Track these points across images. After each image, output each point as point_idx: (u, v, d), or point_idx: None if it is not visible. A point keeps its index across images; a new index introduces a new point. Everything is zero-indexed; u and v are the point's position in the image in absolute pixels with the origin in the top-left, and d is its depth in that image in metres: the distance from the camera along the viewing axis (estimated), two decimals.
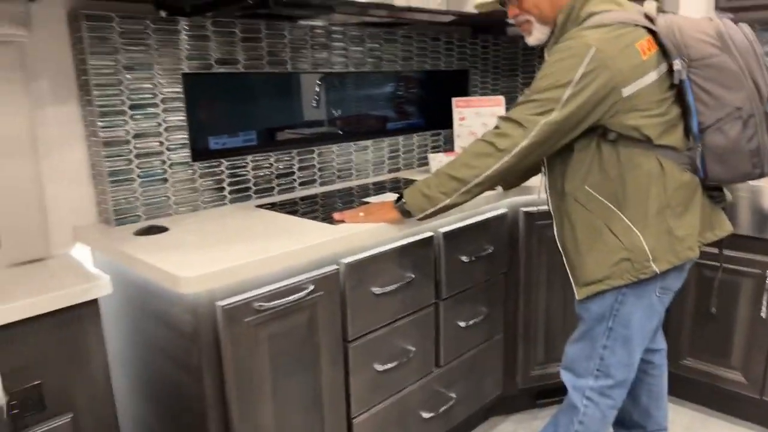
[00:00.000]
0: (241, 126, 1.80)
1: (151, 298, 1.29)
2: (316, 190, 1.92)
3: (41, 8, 1.36)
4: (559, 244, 1.40)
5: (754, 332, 1.87)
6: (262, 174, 1.79)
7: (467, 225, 1.70)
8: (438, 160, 2.20)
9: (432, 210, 1.33)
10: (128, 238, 1.36)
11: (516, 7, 1.35)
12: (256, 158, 1.77)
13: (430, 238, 1.59)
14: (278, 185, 1.84)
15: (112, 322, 1.49)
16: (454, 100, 2.30)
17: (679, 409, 2.10)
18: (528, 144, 1.21)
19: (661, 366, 1.60)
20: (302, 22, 1.80)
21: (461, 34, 2.39)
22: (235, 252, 1.22)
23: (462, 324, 1.74)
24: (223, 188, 1.70)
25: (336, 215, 1.46)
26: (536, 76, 1.24)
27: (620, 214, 1.26)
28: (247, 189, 1.76)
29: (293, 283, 1.26)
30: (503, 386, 1.99)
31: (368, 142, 2.10)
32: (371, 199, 1.73)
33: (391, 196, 1.76)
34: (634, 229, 1.25)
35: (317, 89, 1.98)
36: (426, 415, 1.67)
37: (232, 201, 1.73)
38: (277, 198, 1.80)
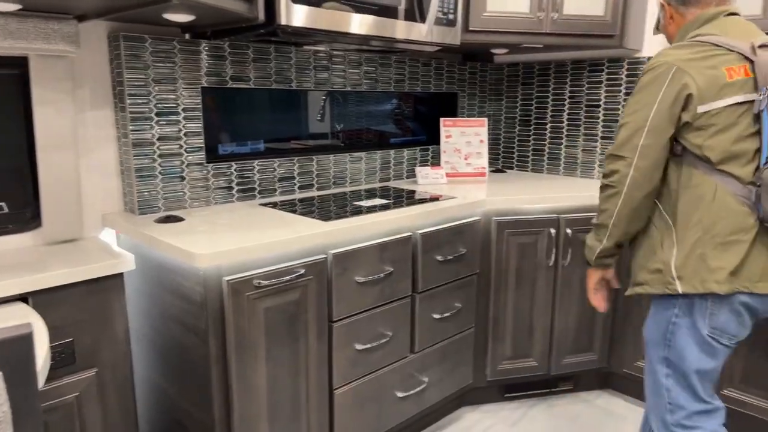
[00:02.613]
0: (252, 135, 2.05)
1: (168, 274, 1.53)
2: (313, 193, 2.17)
3: (87, 28, 1.63)
4: (629, 246, 1.48)
5: None
6: (266, 177, 2.04)
7: (443, 228, 1.93)
8: (424, 174, 2.45)
9: (595, 256, 1.45)
10: (150, 225, 1.61)
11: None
12: (262, 163, 2.02)
13: (409, 237, 1.82)
14: (280, 187, 2.09)
15: (132, 295, 1.73)
16: (442, 120, 2.56)
17: (632, 407, 2.31)
18: (635, 171, 1.29)
19: None
20: (307, 47, 2.06)
21: (451, 60, 2.65)
22: (240, 237, 1.46)
23: (436, 316, 1.97)
24: (231, 187, 1.95)
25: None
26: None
27: (673, 228, 1.32)
28: (253, 189, 2.01)
29: (287, 266, 1.50)
30: (473, 377, 2.21)
31: (362, 153, 2.36)
32: (361, 203, 1.97)
33: (379, 201, 2.00)
34: (675, 244, 1.31)
35: (322, 105, 2.23)
36: (400, 394, 1.89)
37: (239, 199, 1.98)
38: (278, 198, 2.05)
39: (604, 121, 2.54)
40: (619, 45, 2.27)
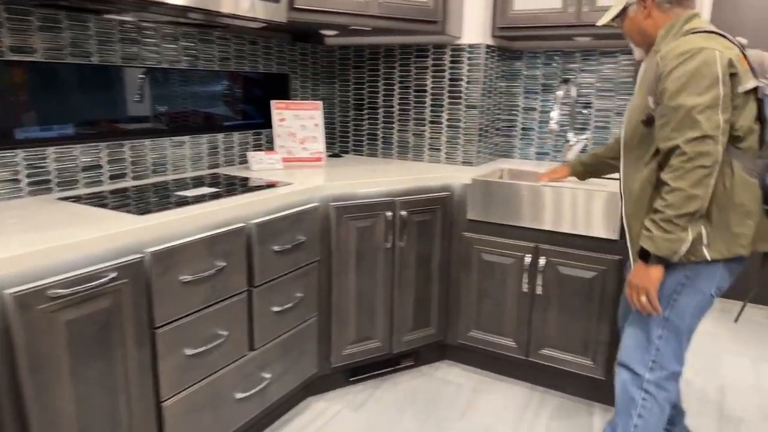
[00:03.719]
0: (52, 117, 1.73)
1: None
2: (127, 183, 1.92)
3: None
4: (625, 218, 1.52)
5: (520, 305, 2.28)
6: (65, 166, 1.74)
7: (280, 216, 1.84)
8: (258, 159, 2.32)
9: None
10: None
11: (621, 28, 1.57)
12: (59, 150, 1.72)
13: (242, 228, 1.70)
14: (84, 178, 1.80)
15: None
16: (273, 103, 2.44)
17: (468, 375, 2.47)
18: (722, 147, 1.33)
19: None
20: (108, 16, 1.80)
21: (280, 40, 2.53)
22: (29, 240, 1.21)
23: (276, 309, 1.88)
24: (19, 180, 1.63)
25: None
26: (670, 89, 1.35)
27: None
28: (48, 181, 1.70)
29: (93, 270, 1.29)
30: (318, 365, 2.17)
31: (185, 138, 2.14)
32: (186, 193, 1.78)
33: (207, 189, 1.84)
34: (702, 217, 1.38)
35: (140, 84, 1.97)
36: (240, 395, 1.77)
37: (31, 193, 1.66)
38: (82, 191, 1.77)
39: (431, 106, 2.64)
40: (441, 31, 2.36)
